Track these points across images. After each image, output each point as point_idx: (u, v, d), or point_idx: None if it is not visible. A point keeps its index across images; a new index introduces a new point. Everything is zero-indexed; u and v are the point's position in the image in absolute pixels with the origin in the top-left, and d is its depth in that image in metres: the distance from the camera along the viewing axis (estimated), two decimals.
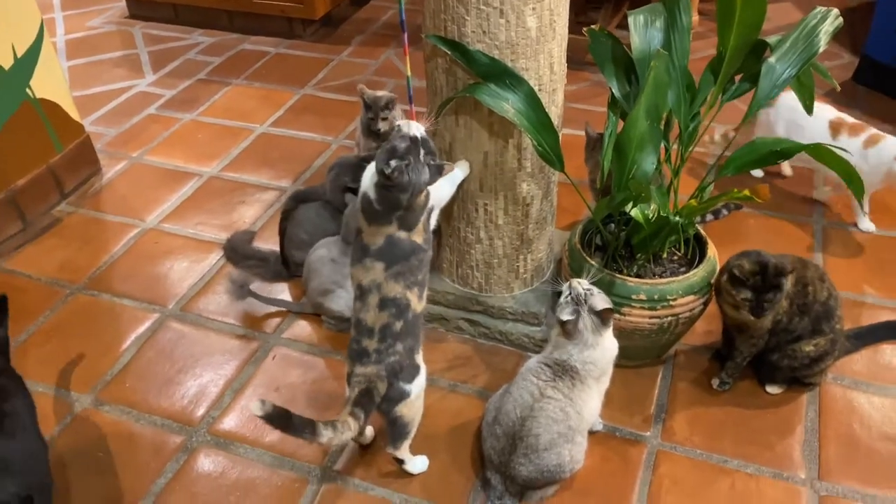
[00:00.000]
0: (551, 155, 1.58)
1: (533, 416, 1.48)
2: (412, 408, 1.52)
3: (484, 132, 1.62)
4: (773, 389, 1.77)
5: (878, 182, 2.11)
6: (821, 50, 1.58)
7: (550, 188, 1.80)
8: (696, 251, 1.79)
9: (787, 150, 1.47)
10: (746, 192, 1.48)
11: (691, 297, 1.68)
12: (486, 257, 1.84)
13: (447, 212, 1.81)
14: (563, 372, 1.50)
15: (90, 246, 2.33)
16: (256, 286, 2.06)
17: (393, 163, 1.35)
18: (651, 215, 1.65)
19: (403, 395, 1.49)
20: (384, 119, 2.26)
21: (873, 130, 2.12)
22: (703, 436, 1.69)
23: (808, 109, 1.69)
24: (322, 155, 2.72)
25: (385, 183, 1.38)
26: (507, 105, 1.51)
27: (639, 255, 1.76)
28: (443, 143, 1.70)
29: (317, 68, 3.31)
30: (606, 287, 1.63)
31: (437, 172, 1.43)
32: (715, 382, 1.78)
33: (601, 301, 1.48)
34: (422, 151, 1.40)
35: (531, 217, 1.79)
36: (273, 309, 2.06)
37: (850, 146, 2.06)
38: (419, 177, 1.40)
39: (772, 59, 1.59)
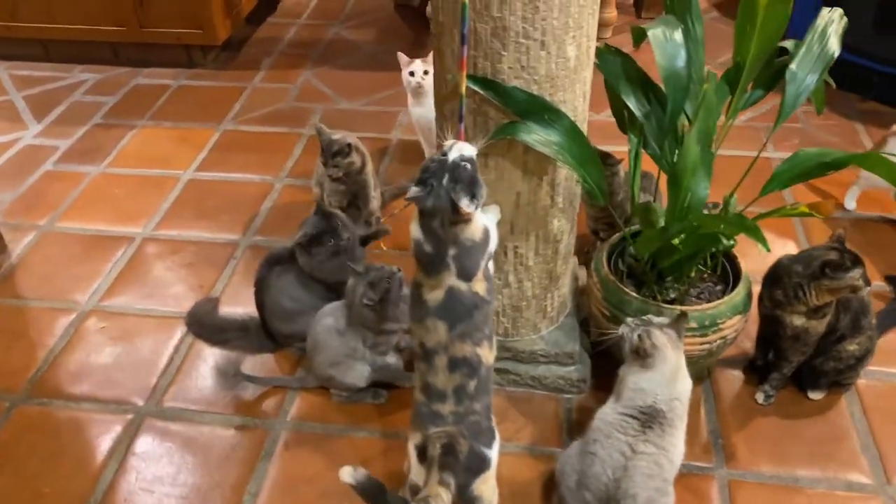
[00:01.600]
0: (596, 190, 1.46)
1: (628, 476, 1.36)
2: (490, 485, 1.36)
3: (517, 172, 1.48)
4: (816, 395, 1.75)
5: None
6: (836, 52, 1.56)
7: (575, 220, 1.69)
8: (723, 267, 1.73)
9: (836, 161, 1.43)
10: (804, 208, 1.43)
11: (738, 317, 1.62)
12: (515, 301, 1.69)
13: None
14: (652, 420, 1.39)
15: (20, 343, 1.96)
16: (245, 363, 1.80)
17: (413, 189, 1.23)
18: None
19: (484, 465, 1.33)
20: (335, 166, 2.05)
21: None
22: (765, 456, 1.64)
23: (819, 111, 1.67)
24: (268, 197, 2.46)
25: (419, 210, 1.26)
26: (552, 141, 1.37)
27: (668, 278, 1.68)
28: None
29: (230, 99, 3.01)
30: None
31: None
32: (760, 397, 1.74)
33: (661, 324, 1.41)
34: (446, 177, 1.23)
35: (560, 253, 1.66)
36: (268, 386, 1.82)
37: None
38: (440, 202, 1.23)
39: (793, 66, 1.55)
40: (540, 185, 1.50)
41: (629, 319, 1.46)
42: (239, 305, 2.00)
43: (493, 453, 1.36)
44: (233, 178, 2.56)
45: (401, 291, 1.63)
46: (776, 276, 1.63)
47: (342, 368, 1.70)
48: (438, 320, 1.29)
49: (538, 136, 1.38)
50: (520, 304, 1.70)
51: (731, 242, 1.53)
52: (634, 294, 1.62)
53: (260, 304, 1.85)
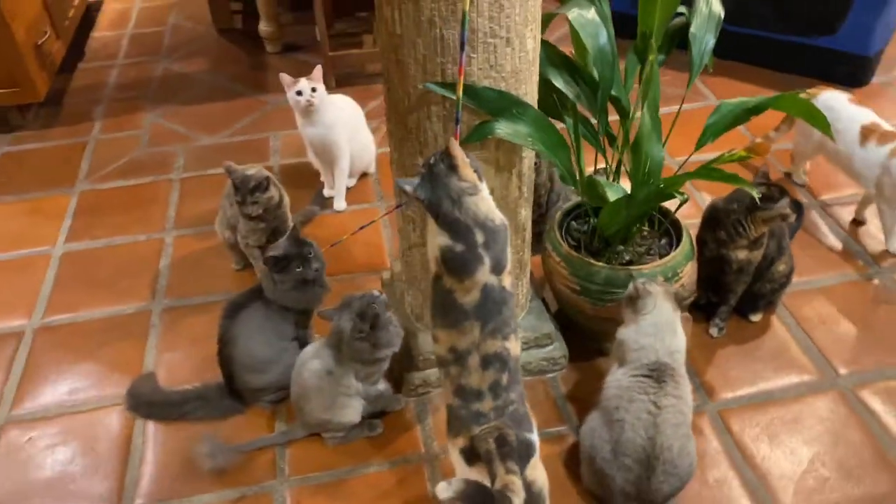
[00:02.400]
0: (566, 173, 1.51)
1: (660, 432, 1.44)
2: (540, 469, 1.38)
3: (491, 169, 1.49)
4: (756, 317, 1.95)
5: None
6: (722, 14, 1.73)
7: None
8: (659, 222, 1.87)
9: (757, 106, 1.60)
10: (742, 152, 1.59)
11: (690, 264, 1.76)
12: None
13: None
14: (663, 374, 1.48)
15: None
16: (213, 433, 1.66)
17: (407, 187, 1.26)
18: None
19: (531, 451, 1.34)
20: (255, 203, 1.94)
21: None
22: (738, 382, 1.80)
23: (711, 68, 1.85)
24: (163, 254, 2.25)
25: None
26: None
27: (617, 244, 1.79)
28: None
29: (73, 157, 2.70)
30: (626, 282, 1.64)
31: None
32: (714, 331, 1.91)
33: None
34: (433, 159, 1.27)
35: (526, 241, 1.71)
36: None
37: (876, 154, 2.00)
38: (437, 177, 1.26)
39: (693, 29, 1.70)
40: (510, 178, 1.53)
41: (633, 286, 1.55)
42: (179, 375, 1.83)
43: (535, 437, 1.37)
44: (115, 242, 2.31)
45: (386, 314, 1.58)
46: (715, 218, 1.79)
47: (338, 409, 1.63)
48: (476, 321, 1.28)
49: (511, 130, 1.40)
50: None
51: (685, 196, 1.66)
52: (601, 264, 1.70)
53: (227, 360, 1.71)
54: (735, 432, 1.69)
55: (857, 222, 2.22)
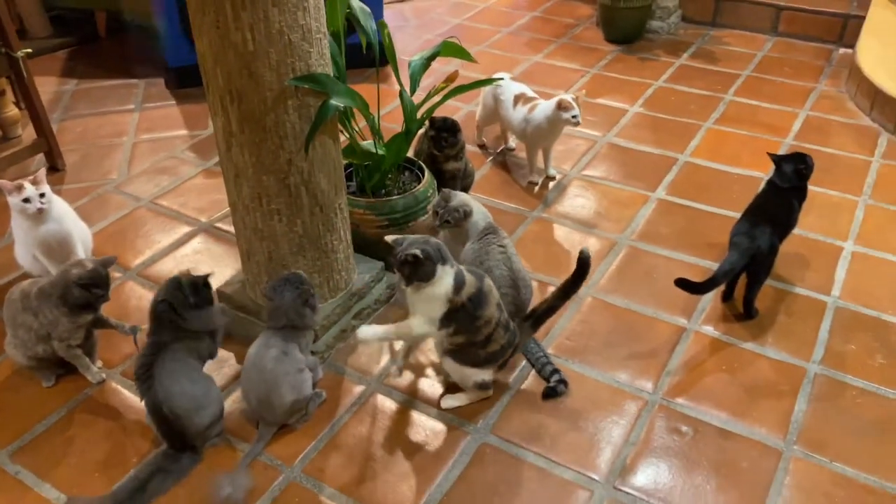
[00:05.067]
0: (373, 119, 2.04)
1: (513, 261, 2.09)
2: None
3: (329, 140, 1.90)
4: None
5: (544, 137, 2.72)
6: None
7: None
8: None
9: (433, 53, 2.32)
10: (443, 84, 2.32)
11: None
12: (348, 253, 2.11)
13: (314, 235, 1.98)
14: (495, 230, 2.12)
15: None
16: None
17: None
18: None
19: None
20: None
21: (539, 101, 2.72)
22: None
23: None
24: None
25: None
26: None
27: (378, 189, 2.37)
28: (302, 174, 1.86)
29: None
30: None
31: None
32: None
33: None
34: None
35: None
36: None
37: (521, 112, 2.73)
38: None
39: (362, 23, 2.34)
40: (340, 138, 1.96)
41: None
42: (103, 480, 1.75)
43: None
44: None
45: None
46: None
47: (300, 386, 1.83)
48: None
49: (340, 100, 1.85)
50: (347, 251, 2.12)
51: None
52: (397, 196, 2.26)
53: (170, 415, 1.71)
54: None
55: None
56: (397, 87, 2.22)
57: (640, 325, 2.18)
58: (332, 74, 1.86)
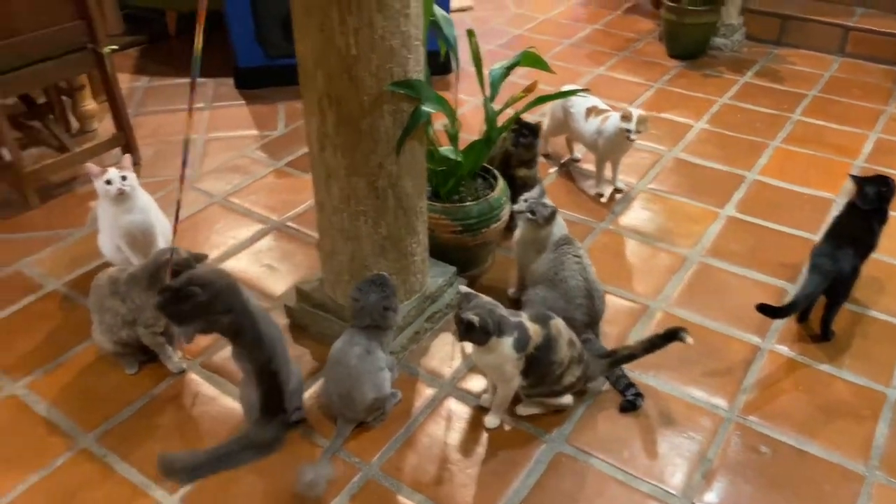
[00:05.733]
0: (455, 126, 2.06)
1: (588, 271, 2.10)
2: None
3: (418, 145, 1.93)
4: None
5: (615, 149, 2.73)
6: None
7: None
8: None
9: (513, 63, 2.34)
10: (522, 94, 2.34)
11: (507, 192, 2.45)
12: (424, 256, 2.14)
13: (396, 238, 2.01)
14: (570, 241, 2.13)
15: None
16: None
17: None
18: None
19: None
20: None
21: (611, 113, 2.73)
22: None
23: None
24: None
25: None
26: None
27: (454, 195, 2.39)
28: (390, 177, 1.90)
29: None
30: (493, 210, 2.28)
31: None
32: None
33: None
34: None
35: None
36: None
37: (593, 124, 2.75)
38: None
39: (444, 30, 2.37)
40: (423, 148, 1.99)
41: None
42: None
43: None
44: None
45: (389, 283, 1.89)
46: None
47: (381, 384, 1.86)
48: None
49: (431, 106, 1.88)
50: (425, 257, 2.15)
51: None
52: (471, 202, 2.28)
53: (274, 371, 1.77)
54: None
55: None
56: (460, 96, 2.25)
57: (714, 342, 2.17)
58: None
